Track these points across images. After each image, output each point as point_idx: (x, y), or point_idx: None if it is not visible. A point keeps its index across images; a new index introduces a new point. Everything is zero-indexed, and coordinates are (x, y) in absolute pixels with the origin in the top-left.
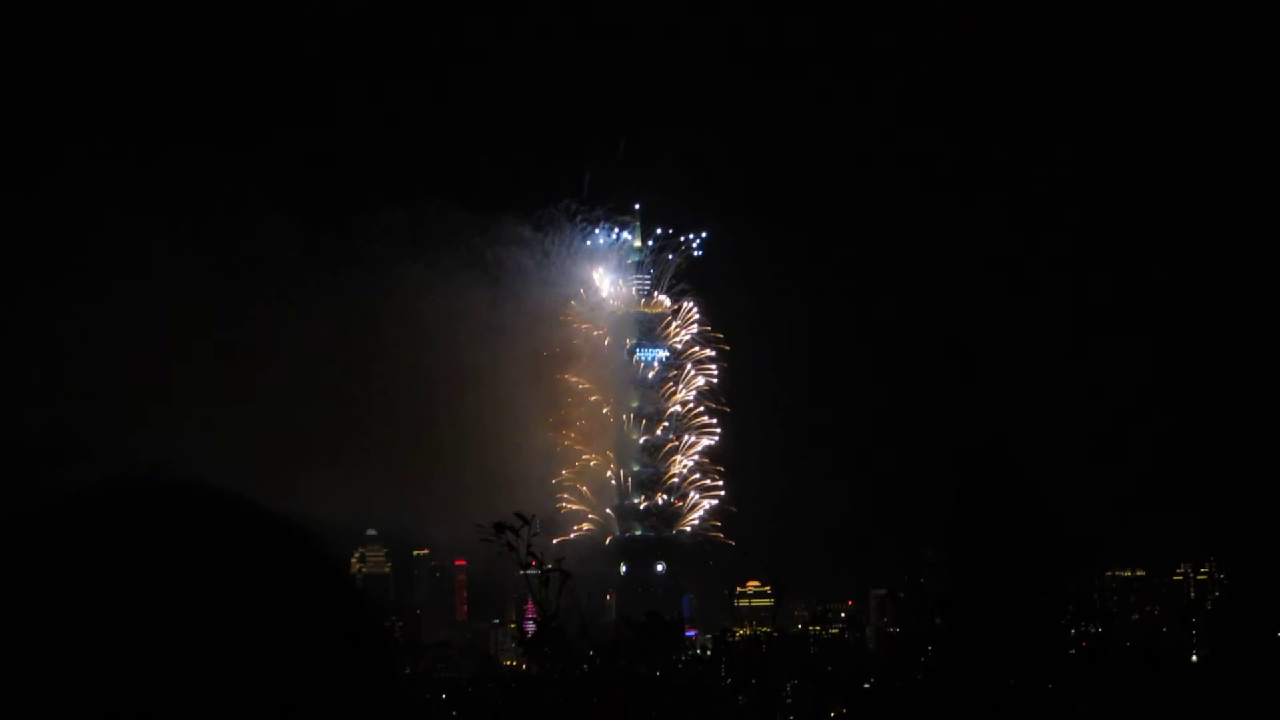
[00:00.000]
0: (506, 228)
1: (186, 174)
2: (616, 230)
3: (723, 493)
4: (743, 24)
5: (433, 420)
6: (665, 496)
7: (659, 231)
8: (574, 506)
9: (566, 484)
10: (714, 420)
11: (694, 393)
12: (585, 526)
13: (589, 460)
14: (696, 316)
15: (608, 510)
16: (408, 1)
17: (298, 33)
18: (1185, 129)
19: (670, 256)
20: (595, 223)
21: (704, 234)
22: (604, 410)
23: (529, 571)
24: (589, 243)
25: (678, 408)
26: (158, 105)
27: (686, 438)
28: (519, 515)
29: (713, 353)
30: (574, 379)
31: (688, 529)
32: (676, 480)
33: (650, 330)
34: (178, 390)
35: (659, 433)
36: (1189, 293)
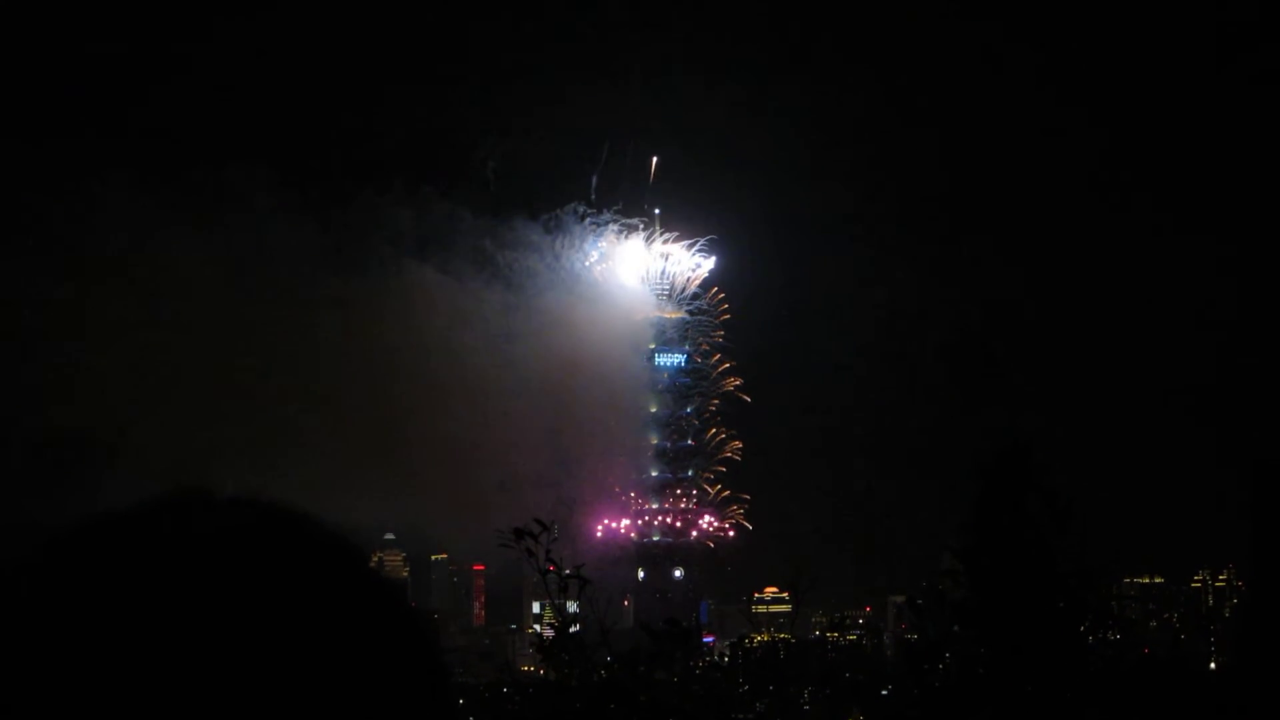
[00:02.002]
0: (516, 231)
1: (194, 173)
2: (626, 234)
3: (742, 498)
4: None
5: (443, 424)
6: (683, 501)
7: (673, 236)
8: (588, 511)
9: (580, 489)
10: (733, 429)
11: (714, 398)
12: (600, 532)
13: (604, 465)
14: (718, 322)
15: (624, 516)
16: (415, 2)
17: (305, 33)
18: (1202, 128)
19: (696, 264)
20: (604, 226)
21: (713, 239)
22: (621, 415)
23: (547, 576)
24: (601, 247)
25: (696, 413)
26: (164, 102)
27: (705, 443)
28: (538, 521)
29: (730, 363)
30: (588, 383)
31: (706, 535)
32: (695, 485)
33: (669, 336)
34: (190, 393)
35: (677, 438)
36: (1212, 292)
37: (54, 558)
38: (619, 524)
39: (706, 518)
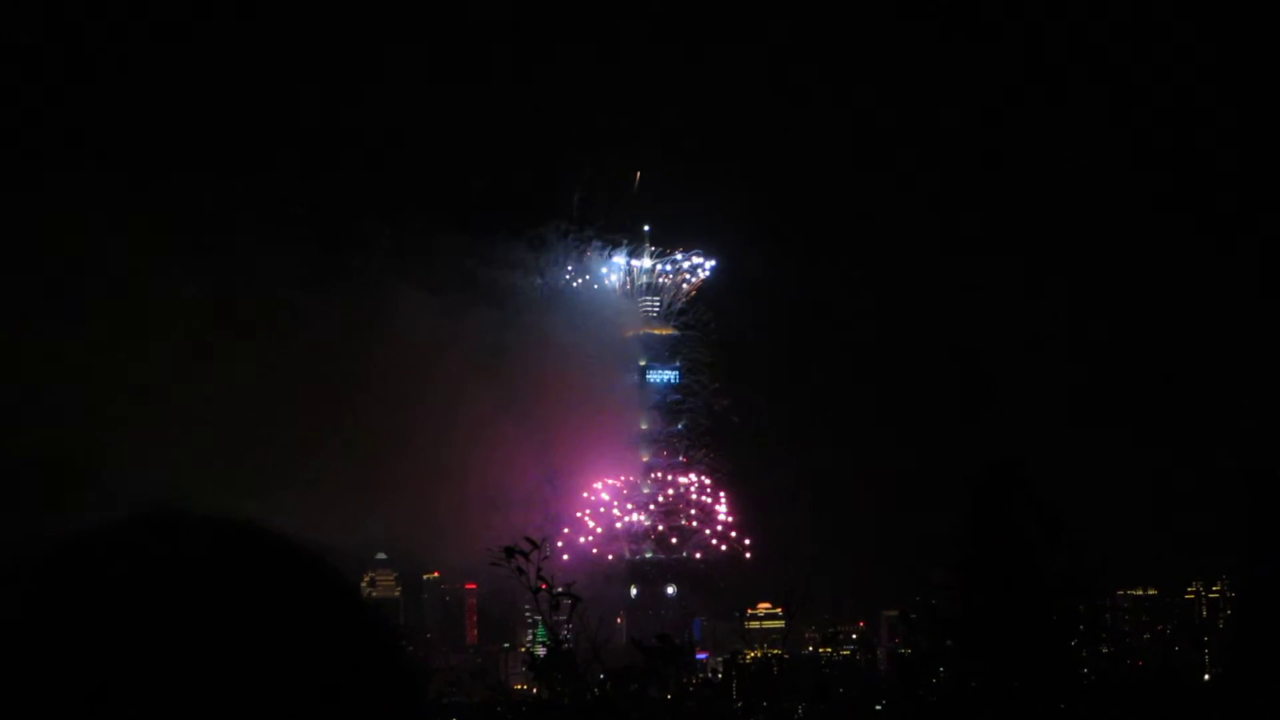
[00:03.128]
0: (499, 248)
1: (178, 190)
2: (610, 250)
3: (732, 517)
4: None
5: (428, 441)
6: (676, 518)
7: (659, 251)
8: (581, 528)
9: (572, 505)
10: (724, 443)
11: (705, 414)
12: (594, 549)
13: (595, 483)
14: (708, 338)
15: (617, 531)
16: (394, 18)
17: (291, 51)
18: (1191, 141)
19: (687, 278)
20: (587, 243)
21: (704, 257)
22: (611, 432)
23: (539, 594)
24: (588, 264)
25: (688, 430)
26: (151, 121)
27: (697, 459)
28: (529, 540)
29: (717, 383)
30: (577, 401)
31: (698, 551)
32: (687, 502)
33: (659, 352)
34: (172, 415)
35: (669, 455)
36: (1198, 303)
37: (24, 576)
38: (608, 541)
39: (700, 534)
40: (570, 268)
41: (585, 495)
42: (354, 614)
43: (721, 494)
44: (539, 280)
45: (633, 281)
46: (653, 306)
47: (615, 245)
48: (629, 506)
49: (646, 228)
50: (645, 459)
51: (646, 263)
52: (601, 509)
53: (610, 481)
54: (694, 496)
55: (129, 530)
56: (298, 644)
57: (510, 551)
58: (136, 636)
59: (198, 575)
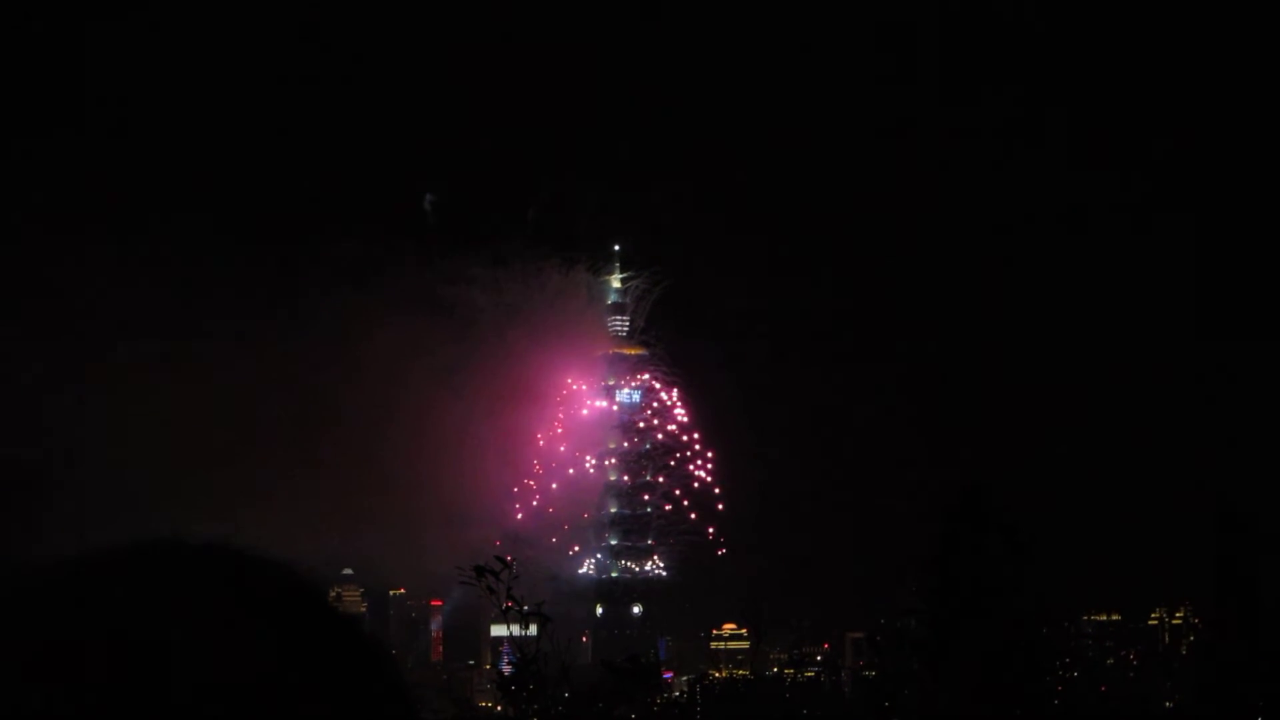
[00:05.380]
0: (458, 264)
1: (135, 207)
2: (568, 269)
3: (698, 535)
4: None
5: (390, 458)
6: (642, 538)
7: (627, 271)
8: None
9: (534, 522)
10: (693, 461)
11: (672, 433)
12: (558, 567)
13: (559, 501)
14: (669, 357)
15: (576, 549)
16: (352, 37)
17: (249, 66)
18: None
19: (652, 298)
20: (543, 259)
21: (663, 276)
22: (576, 450)
23: (507, 613)
24: (546, 279)
25: (656, 448)
26: (106, 141)
27: (664, 478)
28: (499, 559)
29: (681, 407)
30: (542, 417)
31: (664, 571)
32: (653, 521)
33: (626, 370)
34: (132, 431)
35: (634, 474)
36: (1168, 330)
37: (25, 601)
38: (574, 558)
39: (665, 553)
40: (539, 286)
41: (545, 510)
42: (356, 641)
43: (688, 513)
44: (498, 297)
45: (601, 300)
46: (621, 326)
47: (573, 263)
48: (595, 524)
49: (616, 247)
50: (612, 478)
51: (616, 283)
52: (561, 528)
53: (578, 497)
54: (661, 514)
55: (128, 559)
56: (301, 671)
57: (480, 570)
58: (142, 665)
59: (203, 605)
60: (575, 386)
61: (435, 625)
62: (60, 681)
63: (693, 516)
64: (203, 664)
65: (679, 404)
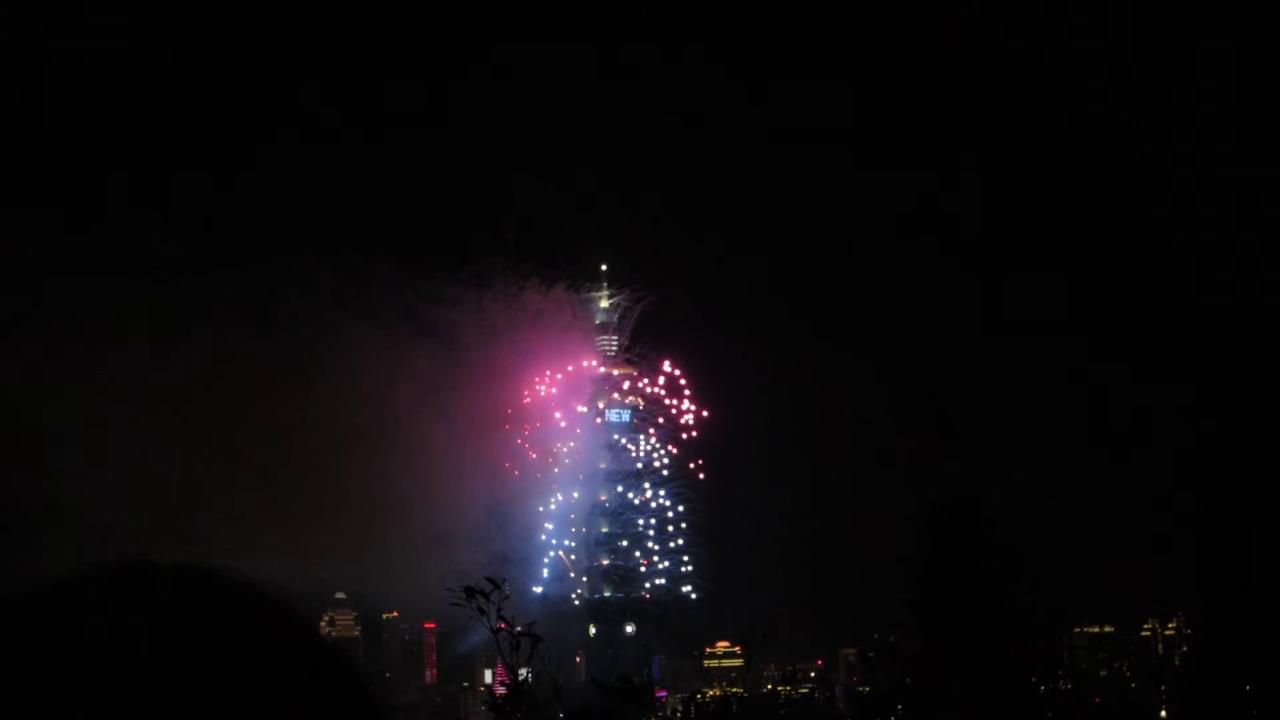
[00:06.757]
0: (438, 283)
1: (114, 229)
2: (549, 286)
3: (690, 556)
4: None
5: (373, 480)
6: (634, 557)
7: (615, 289)
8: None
9: (519, 545)
10: (684, 480)
11: (664, 453)
12: (542, 588)
13: (549, 524)
14: (662, 376)
15: (570, 572)
16: (330, 55)
17: (229, 87)
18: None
19: (639, 316)
20: (525, 278)
21: (650, 292)
22: (563, 469)
23: (498, 634)
24: (527, 299)
25: (647, 468)
26: (86, 160)
27: (656, 498)
28: (490, 580)
29: (687, 412)
30: (531, 437)
31: (657, 590)
32: (646, 541)
33: (617, 390)
34: (113, 456)
35: (625, 492)
36: (1157, 338)
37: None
38: (567, 579)
39: (659, 572)
40: (514, 303)
41: (536, 529)
42: (323, 659)
43: (681, 532)
44: (480, 316)
45: (588, 318)
46: (610, 345)
47: (553, 281)
48: (588, 544)
49: (604, 267)
50: (603, 498)
51: (604, 302)
52: (554, 547)
53: (570, 517)
54: (654, 533)
55: (98, 581)
56: (272, 691)
57: (470, 592)
58: (115, 690)
59: (171, 627)
60: (559, 413)
61: (429, 648)
62: (26, 707)
63: (681, 539)
64: (169, 685)
65: (676, 417)
